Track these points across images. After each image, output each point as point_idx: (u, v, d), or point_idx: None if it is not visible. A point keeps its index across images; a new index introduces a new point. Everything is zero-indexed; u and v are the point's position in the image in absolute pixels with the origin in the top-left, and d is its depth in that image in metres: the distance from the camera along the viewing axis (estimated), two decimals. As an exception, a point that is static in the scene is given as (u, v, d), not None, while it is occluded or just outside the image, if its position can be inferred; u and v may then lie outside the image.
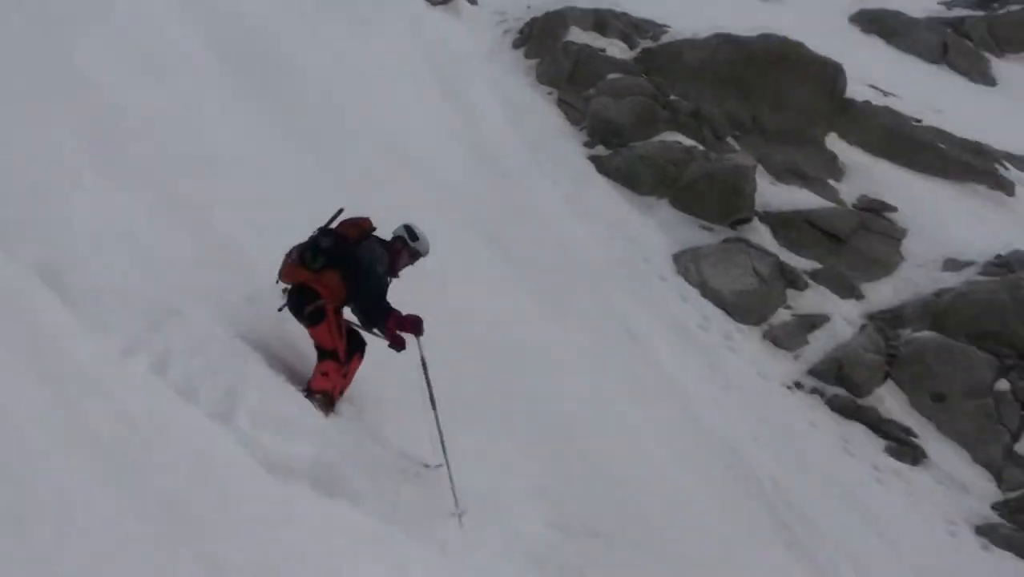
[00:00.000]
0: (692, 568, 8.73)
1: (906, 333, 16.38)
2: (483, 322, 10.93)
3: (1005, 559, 13.27)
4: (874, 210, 19.17)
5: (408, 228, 7.44)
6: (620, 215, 17.69)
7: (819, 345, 16.02)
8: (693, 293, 16.37)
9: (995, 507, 14.12)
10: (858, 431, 14.90)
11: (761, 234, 18.03)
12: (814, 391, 15.37)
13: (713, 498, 10.87)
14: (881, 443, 14.79)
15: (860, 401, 15.28)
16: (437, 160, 15.44)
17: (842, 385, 15.41)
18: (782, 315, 16.61)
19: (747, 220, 18.18)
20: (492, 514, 7.28)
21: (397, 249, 7.39)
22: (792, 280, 17.20)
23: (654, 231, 17.66)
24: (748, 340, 15.95)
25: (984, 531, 13.68)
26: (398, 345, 7.25)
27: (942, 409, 15.31)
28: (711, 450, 12.30)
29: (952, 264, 17.85)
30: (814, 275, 17.45)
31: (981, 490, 14.37)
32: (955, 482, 14.41)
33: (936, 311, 16.63)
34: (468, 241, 13.60)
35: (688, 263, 16.98)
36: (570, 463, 7.99)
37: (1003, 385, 15.53)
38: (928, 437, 15.02)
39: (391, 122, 15.47)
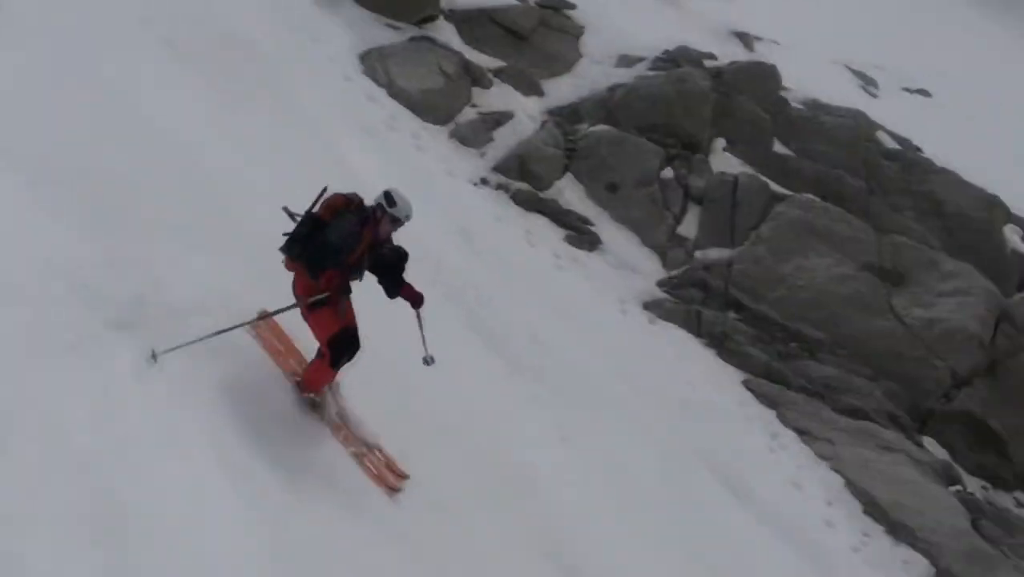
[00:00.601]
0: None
1: (583, 128, 17.19)
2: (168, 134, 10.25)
3: (667, 329, 14.79)
4: (554, 7, 19.58)
5: (387, 195, 7.28)
6: (304, 11, 16.94)
7: (503, 142, 16.51)
8: (380, 93, 16.18)
9: (660, 284, 15.53)
10: (540, 222, 15.72)
11: (447, 32, 18.02)
12: (499, 186, 15.92)
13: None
14: (561, 232, 15.71)
15: (542, 194, 16.05)
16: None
17: (525, 180, 16.07)
18: (468, 113, 16.88)
19: (433, 18, 18.09)
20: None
21: (378, 217, 7.29)
22: (477, 78, 17.42)
23: (340, 29, 17.12)
24: (436, 139, 16.12)
25: (650, 306, 15.08)
26: (417, 300, 7.61)
27: (615, 198, 16.40)
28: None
29: (625, 60, 18.72)
30: (498, 73, 17.76)
31: (648, 270, 15.75)
32: (626, 265, 15.67)
33: (610, 106, 17.53)
34: (146, 46, 12.52)
35: (375, 63, 16.69)
36: (256, 262, 7.90)
37: (668, 173, 16.81)
38: (603, 225, 16.11)
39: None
